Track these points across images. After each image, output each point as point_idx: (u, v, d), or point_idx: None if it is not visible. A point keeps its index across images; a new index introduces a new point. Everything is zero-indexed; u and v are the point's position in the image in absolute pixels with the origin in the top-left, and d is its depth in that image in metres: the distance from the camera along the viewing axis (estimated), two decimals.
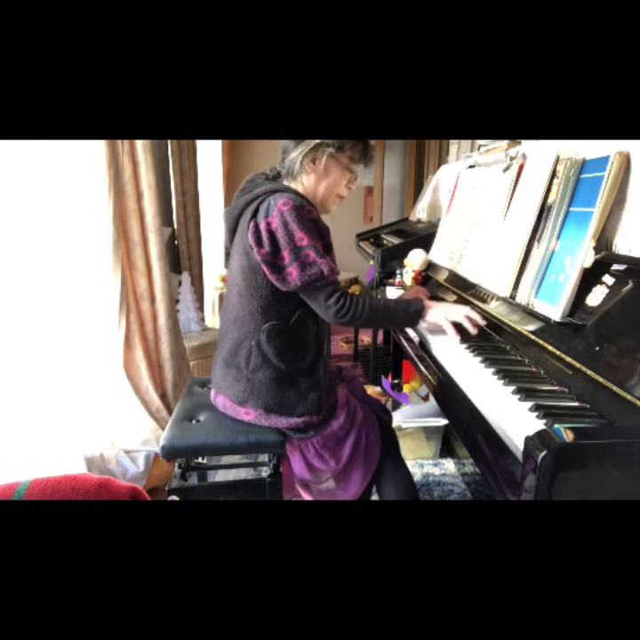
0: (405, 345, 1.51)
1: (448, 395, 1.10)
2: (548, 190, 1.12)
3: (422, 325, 1.29)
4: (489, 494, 1.71)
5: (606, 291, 0.91)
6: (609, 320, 0.87)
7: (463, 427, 1.00)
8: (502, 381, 0.94)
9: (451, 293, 1.59)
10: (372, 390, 2.24)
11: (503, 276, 1.20)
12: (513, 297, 1.15)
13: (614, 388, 0.77)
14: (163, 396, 2.09)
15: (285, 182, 1.23)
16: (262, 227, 1.11)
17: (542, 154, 1.20)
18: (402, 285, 1.96)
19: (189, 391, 1.46)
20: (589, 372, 0.84)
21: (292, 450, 1.25)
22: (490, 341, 1.19)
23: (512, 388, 0.91)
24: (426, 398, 2.26)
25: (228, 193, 3.72)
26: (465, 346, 1.17)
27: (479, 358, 1.07)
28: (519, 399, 0.86)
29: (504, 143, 1.69)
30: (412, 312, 1.22)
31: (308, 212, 1.13)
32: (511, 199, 1.30)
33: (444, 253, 1.73)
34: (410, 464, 2.10)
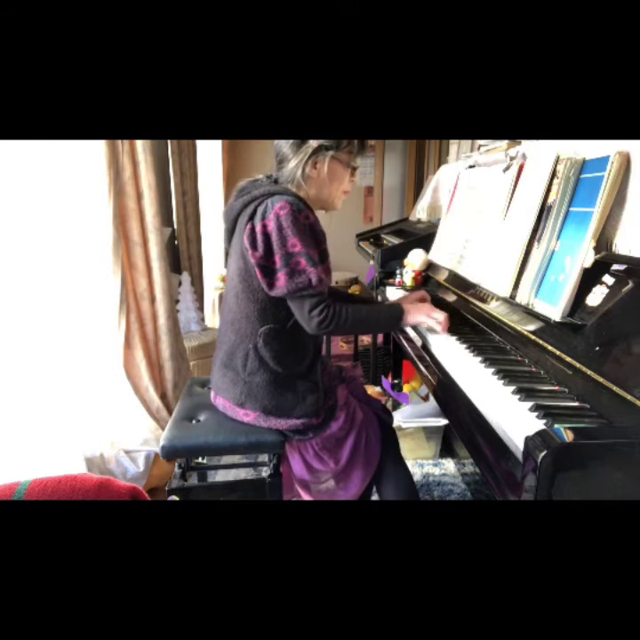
0: (405, 345, 1.51)
1: (448, 395, 1.10)
2: (548, 190, 1.12)
3: (422, 326, 1.29)
4: (489, 494, 1.71)
5: (606, 291, 0.91)
6: (609, 320, 0.87)
7: (463, 427, 1.00)
8: (502, 381, 0.94)
9: (451, 293, 1.59)
10: (372, 390, 2.24)
11: (503, 276, 1.20)
12: (513, 297, 1.15)
13: (614, 388, 0.77)
14: (163, 396, 2.09)
15: (291, 188, 1.20)
16: (258, 229, 1.10)
17: (542, 154, 1.20)
18: (402, 285, 1.96)
19: (189, 391, 1.46)
20: (589, 371, 0.84)
21: (292, 450, 1.25)
22: (490, 341, 1.19)
23: (512, 387, 0.91)
24: (426, 398, 2.26)
25: (228, 193, 3.70)
26: (465, 346, 1.17)
27: (479, 358, 1.07)
28: (519, 399, 0.86)
29: (504, 143, 1.69)
30: (394, 318, 1.25)
31: (304, 218, 1.12)
32: (511, 199, 1.30)
33: (444, 253, 1.73)
34: (410, 464, 2.10)
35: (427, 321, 1.25)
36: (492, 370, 1.00)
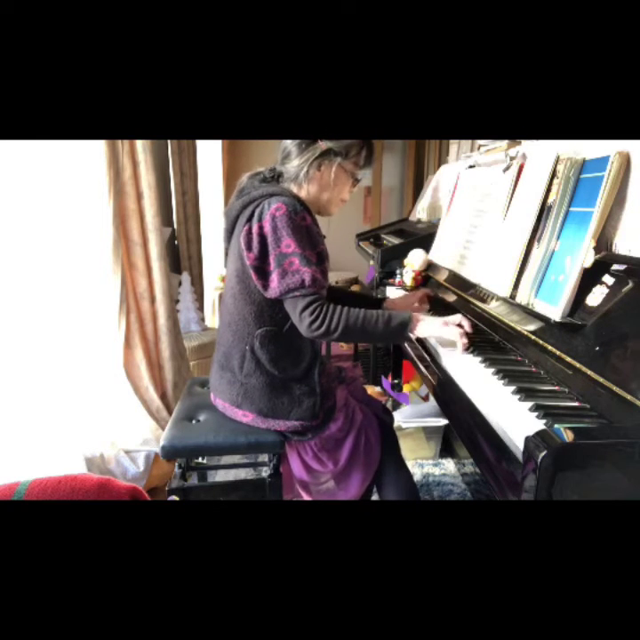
0: (405, 345, 1.51)
1: (448, 395, 1.10)
2: (548, 190, 1.12)
3: (433, 338, 1.21)
4: (489, 494, 1.71)
5: (606, 291, 0.91)
6: (609, 320, 0.87)
7: (463, 427, 1.00)
8: (502, 381, 0.94)
9: (451, 293, 1.59)
10: (372, 390, 2.24)
11: (503, 276, 1.20)
12: (513, 297, 1.15)
13: (614, 388, 0.77)
14: (163, 396, 2.09)
15: (291, 186, 1.20)
16: (254, 230, 1.10)
17: (542, 154, 1.20)
18: (402, 285, 1.96)
19: (189, 391, 1.46)
20: (589, 371, 0.84)
21: (291, 451, 1.25)
22: (490, 341, 1.19)
23: (512, 387, 0.91)
24: (426, 398, 2.26)
25: (228, 193, 3.72)
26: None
27: (479, 358, 1.07)
28: (519, 399, 0.86)
29: (504, 143, 1.69)
30: (395, 326, 1.12)
31: (301, 219, 1.10)
32: (511, 199, 1.30)
33: (444, 253, 1.73)
34: (410, 464, 2.10)
35: (443, 333, 1.13)
36: (493, 370, 1.00)
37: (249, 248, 1.11)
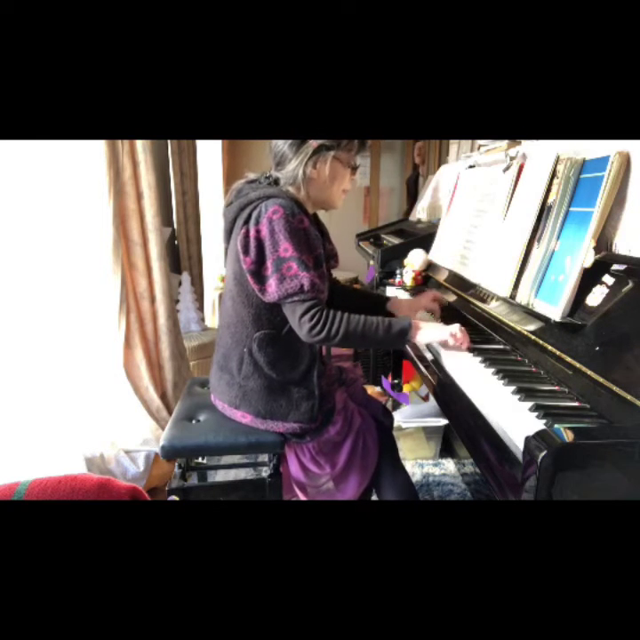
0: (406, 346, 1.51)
1: (448, 395, 1.10)
2: (548, 190, 1.12)
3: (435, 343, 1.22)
4: (489, 494, 1.71)
5: (606, 291, 0.91)
6: (609, 320, 0.87)
7: (463, 427, 1.00)
8: (502, 381, 0.94)
9: (451, 293, 1.59)
10: (372, 390, 2.24)
11: (503, 276, 1.20)
12: (513, 297, 1.15)
13: (614, 388, 0.77)
14: (163, 396, 2.09)
15: (291, 190, 1.18)
16: (252, 234, 1.09)
17: (542, 154, 1.20)
18: (402, 285, 1.96)
19: (189, 391, 1.46)
20: (589, 371, 0.84)
21: (289, 452, 1.25)
22: (490, 341, 1.19)
23: (512, 388, 0.91)
24: (426, 398, 2.26)
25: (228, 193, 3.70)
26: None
27: (479, 358, 1.07)
28: (519, 399, 0.86)
29: (504, 143, 1.69)
30: (395, 332, 1.13)
31: (298, 222, 1.09)
32: (511, 199, 1.30)
33: (444, 253, 1.73)
34: (410, 464, 2.11)
35: (442, 338, 1.16)
36: (493, 370, 1.00)
37: (246, 252, 1.10)
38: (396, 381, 2.24)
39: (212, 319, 3.27)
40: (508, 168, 1.38)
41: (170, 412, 2.03)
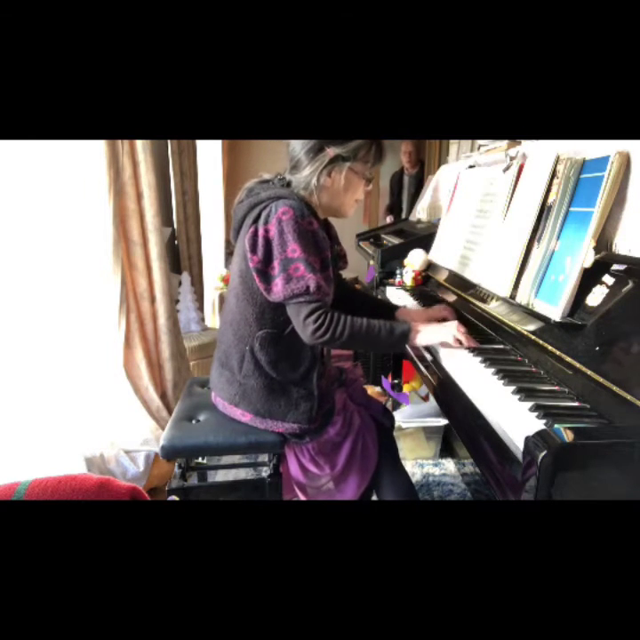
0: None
1: (448, 395, 1.10)
2: (548, 190, 1.12)
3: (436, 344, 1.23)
4: (489, 494, 1.71)
5: (606, 291, 0.91)
6: (609, 320, 0.87)
7: (463, 427, 1.00)
8: (502, 381, 0.94)
9: (451, 293, 1.59)
10: (372, 390, 2.24)
11: (503, 276, 1.20)
12: (513, 297, 1.15)
13: (614, 388, 0.77)
14: (163, 396, 2.09)
15: (300, 193, 1.17)
16: (260, 233, 1.09)
17: (542, 154, 1.20)
18: (402, 285, 1.96)
19: (189, 391, 1.46)
20: (589, 371, 0.84)
21: (289, 453, 1.25)
22: (490, 341, 1.19)
23: (512, 388, 0.91)
24: (426, 398, 2.26)
25: (228, 193, 3.71)
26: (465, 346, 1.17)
27: (479, 358, 1.07)
28: (519, 399, 0.86)
29: (504, 143, 1.69)
30: (397, 336, 1.15)
31: (307, 223, 1.09)
32: (511, 199, 1.30)
33: (444, 253, 1.73)
34: (410, 464, 2.11)
35: (443, 340, 1.16)
36: (493, 370, 1.00)
37: (253, 250, 1.10)
38: (395, 381, 2.24)
39: (211, 319, 3.27)
40: (507, 168, 1.38)
41: (170, 412, 2.03)
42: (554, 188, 1.10)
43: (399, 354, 2.13)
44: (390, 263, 2.18)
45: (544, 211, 1.12)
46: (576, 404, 0.84)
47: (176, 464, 1.30)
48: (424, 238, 2.07)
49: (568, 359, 0.91)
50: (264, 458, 1.33)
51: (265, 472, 1.28)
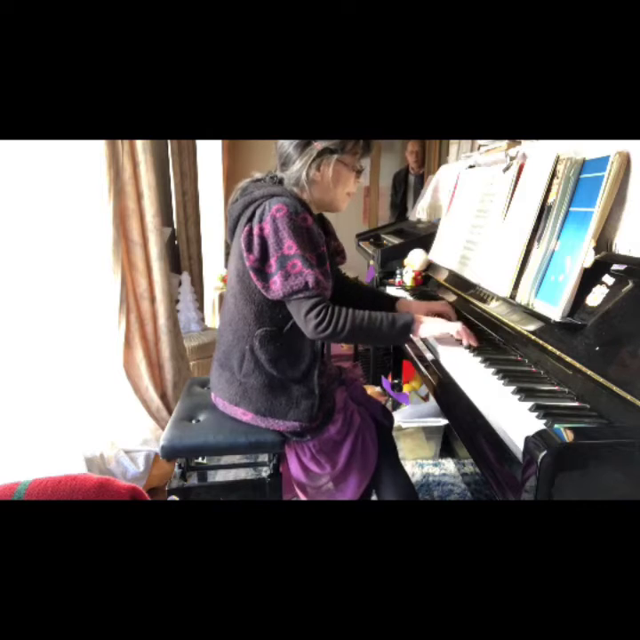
0: (405, 345, 1.51)
1: (448, 395, 1.10)
2: (548, 190, 1.12)
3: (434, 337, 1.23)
4: (489, 494, 1.71)
5: (606, 291, 0.91)
6: (609, 320, 0.87)
7: (463, 427, 1.00)
8: (502, 381, 0.94)
9: (451, 293, 1.59)
10: (372, 390, 2.24)
11: (503, 276, 1.20)
12: (513, 297, 1.15)
13: (614, 388, 0.77)
14: (163, 396, 2.09)
15: (292, 190, 1.18)
16: (255, 232, 1.10)
17: (542, 154, 1.20)
18: (402, 285, 1.96)
19: (189, 391, 1.46)
20: (589, 371, 0.84)
21: (289, 452, 1.25)
22: (490, 341, 1.19)
23: (512, 387, 0.91)
24: (426, 398, 2.26)
25: (228, 193, 3.70)
26: (465, 346, 1.17)
27: (479, 358, 1.07)
28: (519, 399, 0.86)
29: (504, 143, 1.69)
30: (399, 327, 1.15)
31: (302, 220, 1.10)
32: (511, 199, 1.30)
33: (444, 253, 1.73)
34: (410, 464, 2.11)
35: (446, 331, 1.17)
36: (493, 370, 1.00)
37: (249, 249, 1.10)
38: (395, 381, 2.24)
39: (211, 319, 3.27)
40: (507, 168, 1.38)
41: (170, 412, 2.03)
42: (554, 188, 1.10)
43: (399, 353, 2.13)
44: (390, 263, 2.18)
45: (544, 211, 1.12)
46: (576, 404, 0.84)
47: (176, 464, 1.30)
48: (424, 238, 2.08)
49: (568, 359, 0.91)
50: (264, 458, 1.33)
51: (265, 472, 1.28)
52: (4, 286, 1.57)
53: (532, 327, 1.07)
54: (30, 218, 1.63)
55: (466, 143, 2.53)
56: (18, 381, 1.62)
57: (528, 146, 1.45)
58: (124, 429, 1.93)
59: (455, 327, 1.17)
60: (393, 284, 1.99)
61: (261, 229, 1.10)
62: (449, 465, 2.12)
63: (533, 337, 1.04)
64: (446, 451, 2.17)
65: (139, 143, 1.90)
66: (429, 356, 1.26)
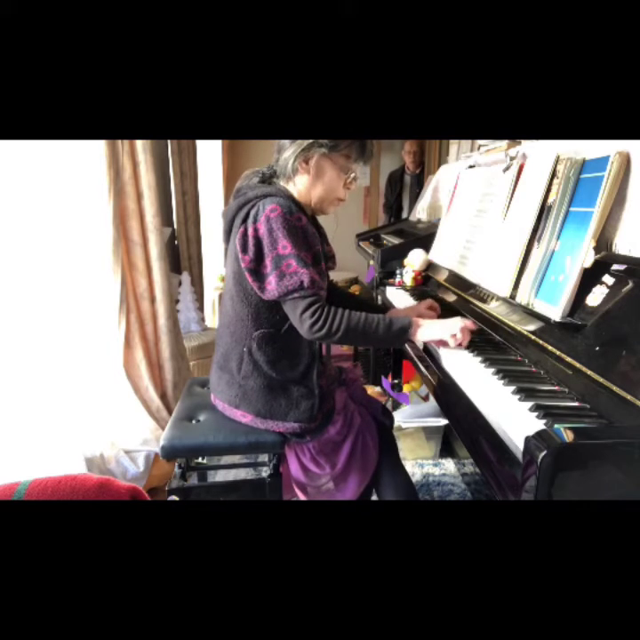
0: (405, 345, 1.51)
1: (448, 395, 1.10)
2: (548, 190, 1.12)
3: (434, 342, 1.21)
4: (489, 494, 1.71)
5: (606, 291, 0.91)
6: (609, 320, 0.87)
7: (463, 427, 1.00)
8: (502, 381, 0.94)
9: (451, 293, 1.59)
10: (372, 390, 2.24)
11: (503, 276, 1.20)
12: (513, 297, 1.15)
13: (614, 388, 0.77)
14: (163, 396, 2.09)
15: (282, 183, 1.20)
16: (250, 233, 1.09)
17: (542, 154, 1.20)
18: (402, 285, 1.96)
19: (189, 391, 1.46)
20: (589, 371, 0.84)
21: (289, 452, 1.25)
22: (490, 341, 1.19)
23: (512, 388, 0.90)
24: (426, 398, 2.26)
25: (228, 193, 3.73)
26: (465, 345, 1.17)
27: (479, 358, 1.07)
28: (519, 399, 0.86)
29: (504, 143, 1.69)
30: (395, 330, 1.13)
31: (296, 219, 1.10)
32: (511, 199, 1.30)
33: (444, 253, 1.73)
34: (410, 464, 2.11)
35: (442, 337, 1.14)
36: (493, 370, 1.00)
37: (244, 250, 1.10)
38: (395, 381, 2.24)
39: (212, 319, 3.27)
40: (507, 168, 1.38)
41: (170, 412, 2.03)
42: (554, 188, 1.10)
43: (399, 354, 2.13)
44: (390, 263, 2.18)
45: (544, 211, 1.12)
46: (576, 404, 0.84)
47: (176, 464, 1.30)
48: (424, 238, 2.08)
49: (568, 359, 0.91)
50: (264, 458, 1.33)
51: (265, 472, 1.28)
52: (5, 286, 1.57)
53: (531, 327, 1.07)
54: (30, 218, 1.63)
55: (466, 143, 2.53)
56: (18, 381, 1.62)
57: (528, 146, 1.45)
58: (124, 429, 1.93)
59: (453, 330, 1.13)
60: (393, 284, 1.99)
61: (256, 230, 1.09)
62: (449, 465, 2.12)
63: (533, 337, 1.04)
64: (446, 451, 2.17)
65: (139, 143, 1.90)
66: (429, 356, 1.26)
